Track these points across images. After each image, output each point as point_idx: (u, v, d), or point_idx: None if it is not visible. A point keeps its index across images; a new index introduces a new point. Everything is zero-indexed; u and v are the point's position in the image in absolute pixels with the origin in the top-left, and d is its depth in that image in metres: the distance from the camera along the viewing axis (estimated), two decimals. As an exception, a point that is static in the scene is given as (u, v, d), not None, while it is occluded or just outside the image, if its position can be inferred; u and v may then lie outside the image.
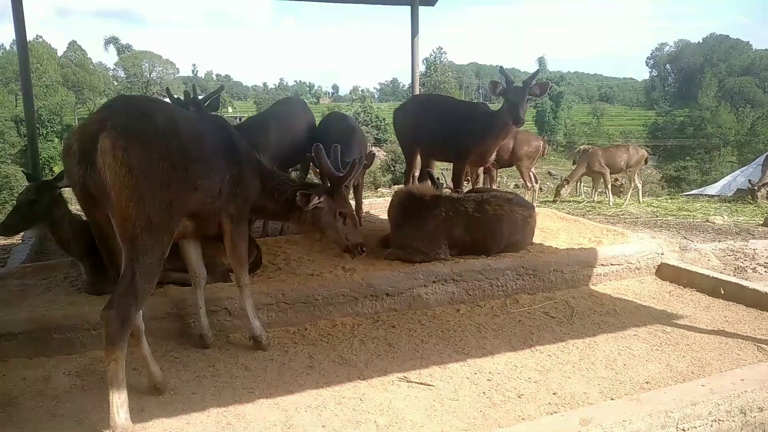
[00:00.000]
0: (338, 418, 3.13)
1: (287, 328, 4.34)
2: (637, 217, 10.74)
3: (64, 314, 3.96)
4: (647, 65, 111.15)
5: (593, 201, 14.35)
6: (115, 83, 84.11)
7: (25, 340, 3.81)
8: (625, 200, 13.56)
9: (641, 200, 13.73)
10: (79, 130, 2.96)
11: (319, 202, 3.84)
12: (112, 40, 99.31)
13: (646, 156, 14.44)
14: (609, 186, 13.84)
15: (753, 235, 8.89)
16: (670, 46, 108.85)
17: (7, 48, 72.14)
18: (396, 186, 14.68)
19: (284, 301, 4.38)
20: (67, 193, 4.24)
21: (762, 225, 9.84)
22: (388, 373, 3.64)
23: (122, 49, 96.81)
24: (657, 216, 10.96)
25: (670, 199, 16.52)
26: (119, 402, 2.79)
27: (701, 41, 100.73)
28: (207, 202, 3.37)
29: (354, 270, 4.80)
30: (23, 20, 7.65)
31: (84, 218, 3.83)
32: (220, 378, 3.59)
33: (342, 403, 3.29)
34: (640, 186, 14.14)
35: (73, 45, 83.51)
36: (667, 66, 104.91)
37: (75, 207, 4.64)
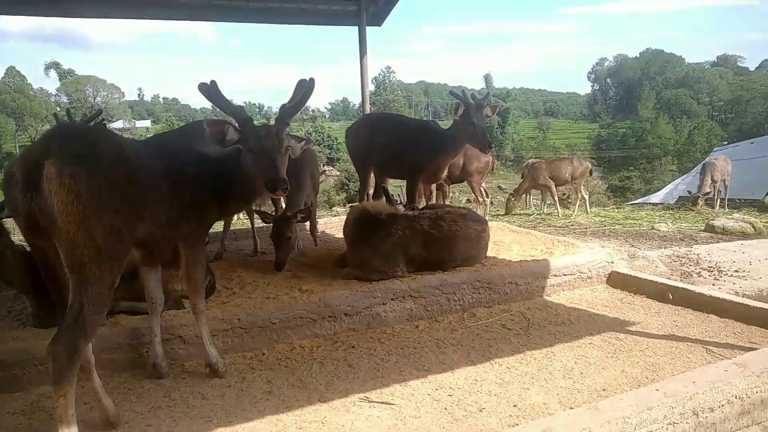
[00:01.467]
0: (300, 443, 3.07)
1: (244, 354, 4.25)
2: (586, 228, 11.02)
3: (7, 350, 3.77)
4: (589, 79, 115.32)
5: (543, 213, 14.65)
6: (58, 109, 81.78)
7: (-35, 380, 3.61)
8: (574, 211, 13.89)
9: (589, 211, 14.10)
10: (23, 158, 2.86)
11: (236, 139, 3.55)
12: (53, 65, 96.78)
13: (590, 168, 14.89)
14: (556, 198, 14.17)
15: (696, 240, 9.23)
16: (610, 61, 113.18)
17: (-59, 75, 69.38)
18: (351, 204, 14.69)
19: (240, 326, 4.28)
20: (9, 223, 4.08)
21: (704, 231, 10.23)
22: (349, 394, 3.60)
23: (64, 74, 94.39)
24: (605, 225, 11.27)
25: (617, 208, 17.07)
26: (69, 440, 2.67)
27: (638, 55, 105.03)
28: (154, 231, 3.26)
29: (311, 291, 4.74)
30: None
31: (27, 249, 3.69)
32: (177, 408, 3.47)
33: (303, 427, 3.22)
34: (587, 197, 14.54)
35: (11, 71, 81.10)
36: (608, 80, 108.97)
37: (17, 237, 4.47)
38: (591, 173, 15.27)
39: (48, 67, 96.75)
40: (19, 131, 68.45)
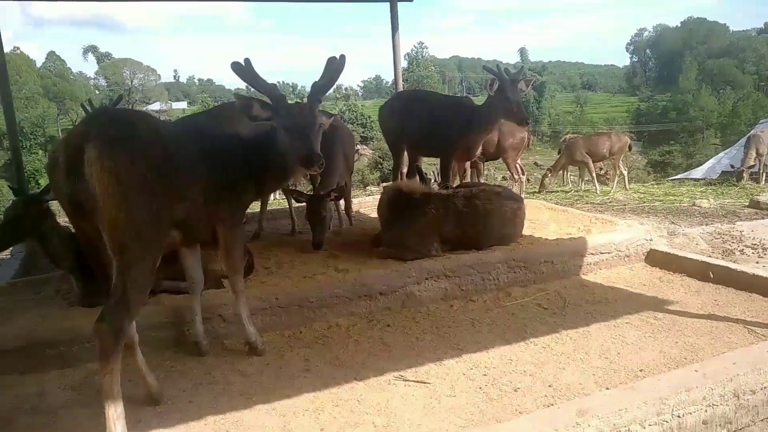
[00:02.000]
0: (336, 420, 3.13)
1: (282, 332, 4.33)
2: (624, 204, 10.81)
3: (56, 328, 3.93)
4: (627, 51, 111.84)
5: (581, 190, 14.41)
6: (97, 92, 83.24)
7: (17, 356, 3.77)
8: (612, 188, 13.63)
9: (627, 187, 13.80)
10: (64, 142, 2.94)
11: (268, 116, 3.57)
12: (90, 49, 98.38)
13: (629, 143, 14.52)
14: (594, 174, 13.90)
15: (739, 217, 8.97)
16: (649, 31, 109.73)
17: (-15, 61, 71.09)
18: (385, 183, 14.74)
19: (278, 304, 4.36)
20: (54, 205, 4.22)
21: (748, 206, 9.93)
22: (385, 372, 3.64)
23: (102, 58, 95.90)
24: (644, 202, 11.03)
25: (656, 184, 16.65)
26: (116, 415, 2.78)
27: (679, 25, 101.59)
28: (193, 211, 3.33)
29: (347, 270, 4.80)
30: None
31: (72, 230, 3.81)
32: (217, 385, 3.58)
33: (339, 405, 3.28)
34: (625, 173, 14.22)
35: (51, 55, 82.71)
36: (647, 51, 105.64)
37: (63, 219, 4.62)
38: (630, 148, 14.88)
39: (86, 50, 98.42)
40: (60, 115, 69.97)
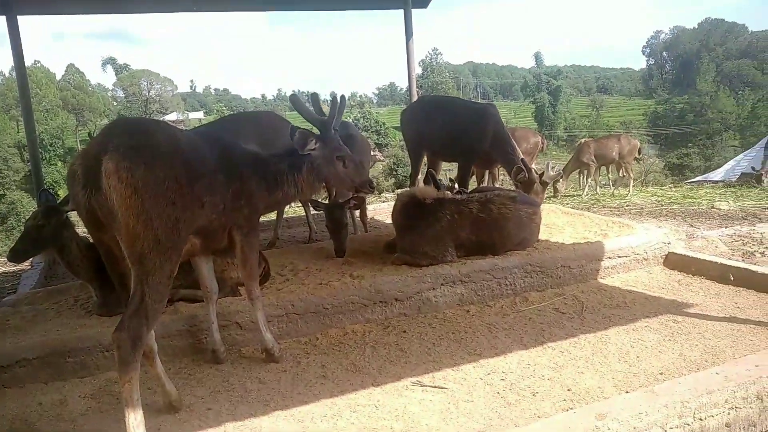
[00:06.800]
0: (354, 426, 3.13)
1: (298, 339, 4.34)
2: (641, 208, 10.73)
3: (76, 337, 3.97)
4: (644, 54, 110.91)
5: (596, 194, 14.33)
6: (114, 103, 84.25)
7: (39, 365, 3.81)
8: (629, 191, 13.54)
9: (631, 190, 13.68)
10: (82, 155, 2.98)
11: (314, 148, 3.80)
12: (109, 61, 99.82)
13: (638, 146, 14.54)
14: (596, 179, 14.07)
15: (760, 219, 8.86)
16: (666, 33, 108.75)
17: (6, 75, 72.25)
18: (399, 190, 14.73)
19: (294, 311, 4.38)
20: (73, 216, 4.27)
21: (768, 208, 9.80)
22: (402, 378, 3.64)
23: (120, 69, 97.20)
24: (662, 205, 10.94)
25: (674, 187, 16.49)
26: (135, 423, 2.80)
27: (696, 26, 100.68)
28: (213, 218, 3.37)
29: (362, 277, 4.80)
30: (21, 46, 7.70)
31: (91, 240, 3.86)
32: (235, 392, 3.60)
33: (357, 410, 3.29)
34: (631, 176, 14.22)
35: (71, 68, 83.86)
36: (664, 53, 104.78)
37: (81, 229, 4.68)
38: (639, 152, 14.87)
39: (105, 62, 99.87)
40: (79, 126, 70.90)
